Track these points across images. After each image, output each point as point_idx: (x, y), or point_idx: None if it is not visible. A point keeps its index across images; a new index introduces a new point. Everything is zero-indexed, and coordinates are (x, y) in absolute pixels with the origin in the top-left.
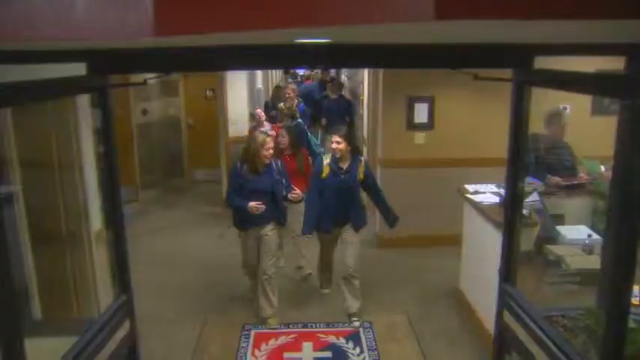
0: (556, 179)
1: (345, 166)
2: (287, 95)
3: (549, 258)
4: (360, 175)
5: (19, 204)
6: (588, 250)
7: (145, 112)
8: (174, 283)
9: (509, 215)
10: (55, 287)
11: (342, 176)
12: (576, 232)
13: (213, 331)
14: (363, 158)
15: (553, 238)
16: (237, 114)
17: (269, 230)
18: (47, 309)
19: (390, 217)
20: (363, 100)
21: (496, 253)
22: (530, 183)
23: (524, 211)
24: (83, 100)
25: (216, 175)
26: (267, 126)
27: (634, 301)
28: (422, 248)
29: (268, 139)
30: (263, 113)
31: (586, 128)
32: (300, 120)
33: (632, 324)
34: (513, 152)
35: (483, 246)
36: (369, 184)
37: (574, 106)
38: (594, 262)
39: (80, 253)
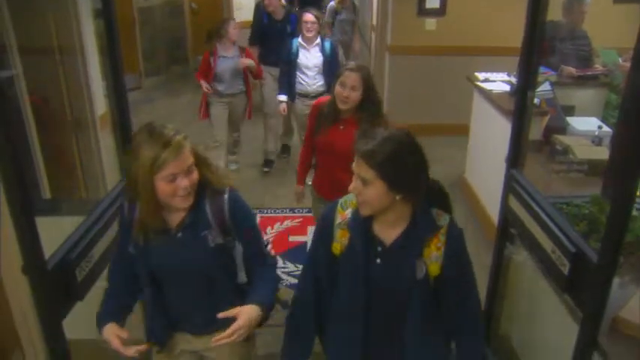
0: (569, 69)
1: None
2: None
3: (557, 148)
4: None
5: (21, 88)
6: (597, 141)
7: None
8: None
9: (520, 101)
10: (62, 169)
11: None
12: (586, 123)
13: None
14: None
15: (562, 128)
16: None
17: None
18: (55, 190)
19: None
20: None
21: (504, 142)
22: (542, 72)
23: (535, 100)
24: None
25: None
26: None
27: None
28: (428, 137)
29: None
30: None
31: (607, 17)
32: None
33: (634, 212)
34: (528, 40)
35: (491, 135)
36: None
37: None
38: (602, 152)
39: (86, 135)
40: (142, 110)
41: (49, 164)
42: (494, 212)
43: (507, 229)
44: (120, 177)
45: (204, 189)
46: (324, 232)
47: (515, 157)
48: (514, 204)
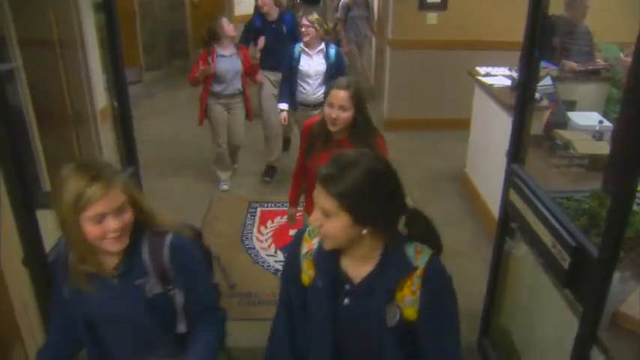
0: (571, 64)
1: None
2: None
3: (558, 142)
4: None
5: (22, 82)
6: (598, 136)
7: None
8: (180, 161)
9: (521, 96)
10: (63, 161)
11: None
12: (587, 118)
13: (219, 208)
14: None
15: (563, 123)
16: None
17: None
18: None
19: None
20: None
21: (505, 136)
22: (544, 67)
23: (536, 95)
24: None
25: None
26: None
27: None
28: (429, 131)
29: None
30: None
31: (610, 12)
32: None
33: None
34: (530, 34)
35: (492, 129)
36: None
37: None
38: (603, 147)
39: (86, 129)
40: (143, 104)
41: (49, 156)
42: (494, 206)
43: (508, 224)
44: (121, 168)
45: (142, 230)
46: (291, 263)
47: (516, 152)
48: (515, 198)
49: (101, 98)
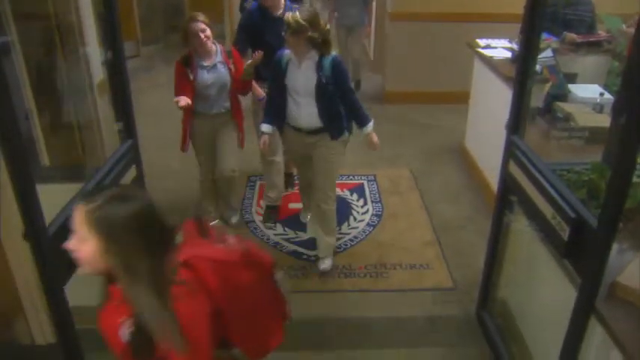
0: (572, 36)
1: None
2: None
3: (558, 115)
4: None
5: (18, 55)
6: (599, 108)
7: None
8: (178, 135)
9: (522, 68)
10: (61, 135)
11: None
12: (588, 90)
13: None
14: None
15: (564, 95)
16: None
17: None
18: (54, 156)
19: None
20: None
21: (505, 109)
22: (545, 39)
23: (537, 67)
24: None
25: (219, 30)
26: None
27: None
28: (429, 105)
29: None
30: None
31: None
32: None
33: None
34: (531, 5)
35: (492, 102)
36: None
37: None
38: (603, 120)
39: (84, 102)
40: (141, 78)
41: (47, 131)
42: (493, 179)
43: (507, 196)
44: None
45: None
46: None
47: (516, 124)
48: (514, 170)
49: (98, 72)
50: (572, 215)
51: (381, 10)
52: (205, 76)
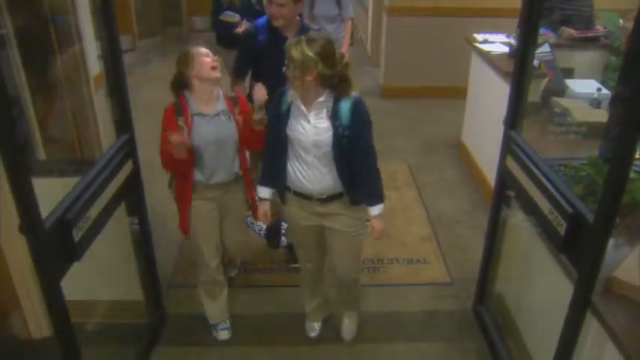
0: (569, 31)
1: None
2: None
3: (555, 110)
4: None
5: (13, 48)
6: (596, 103)
7: None
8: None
9: (519, 63)
10: (57, 129)
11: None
12: (585, 85)
13: None
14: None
15: (561, 90)
16: None
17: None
18: (50, 151)
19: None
20: None
21: (502, 104)
22: (542, 34)
23: (534, 62)
24: None
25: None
26: None
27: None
28: (426, 99)
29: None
30: None
31: None
32: None
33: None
34: (528, 0)
35: (489, 97)
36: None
37: None
38: (600, 115)
39: (80, 96)
40: (137, 72)
41: (43, 124)
42: (491, 174)
43: (504, 191)
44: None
45: None
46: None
47: (514, 119)
48: (512, 165)
49: (94, 66)
50: (570, 210)
51: (379, 5)
52: (204, 128)
